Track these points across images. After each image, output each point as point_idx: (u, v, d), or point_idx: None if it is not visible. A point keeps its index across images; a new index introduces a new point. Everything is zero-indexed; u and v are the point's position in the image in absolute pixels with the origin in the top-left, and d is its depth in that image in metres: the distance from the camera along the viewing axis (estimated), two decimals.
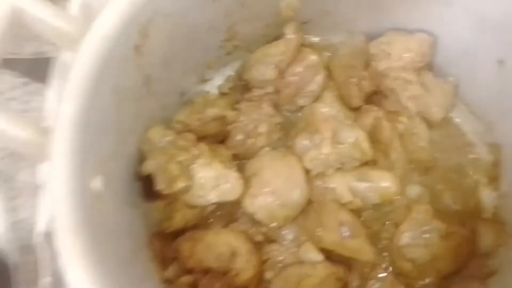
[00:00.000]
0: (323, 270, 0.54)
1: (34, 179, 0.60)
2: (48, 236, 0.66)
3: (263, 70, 0.61)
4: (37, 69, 0.76)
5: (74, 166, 0.38)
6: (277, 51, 0.61)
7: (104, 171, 0.44)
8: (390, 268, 0.57)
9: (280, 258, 0.57)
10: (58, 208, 0.38)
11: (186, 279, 0.54)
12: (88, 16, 0.42)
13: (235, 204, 0.59)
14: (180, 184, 0.53)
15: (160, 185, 0.52)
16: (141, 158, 0.55)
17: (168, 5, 0.48)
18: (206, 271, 0.54)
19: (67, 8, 0.44)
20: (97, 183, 0.42)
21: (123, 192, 0.51)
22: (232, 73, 0.68)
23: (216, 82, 0.68)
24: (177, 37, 0.52)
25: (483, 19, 0.53)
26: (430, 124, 0.62)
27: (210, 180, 0.56)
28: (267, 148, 0.63)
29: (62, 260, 0.37)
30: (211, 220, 0.60)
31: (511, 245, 0.55)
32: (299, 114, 0.65)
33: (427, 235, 0.55)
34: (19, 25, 0.41)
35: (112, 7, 0.42)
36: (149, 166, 0.53)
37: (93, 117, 0.42)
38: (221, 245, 0.55)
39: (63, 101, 0.39)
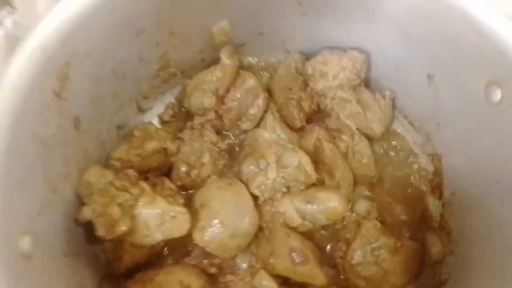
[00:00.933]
0: None
1: None
2: None
3: (201, 98, 0.60)
4: None
5: None
6: (214, 78, 0.60)
7: (33, 229, 0.42)
8: (345, 286, 0.57)
9: None
10: None
11: None
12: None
13: (186, 238, 0.58)
14: (122, 228, 0.51)
15: (101, 232, 0.50)
16: (80, 201, 0.52)
17: (87, 43, 0.46)
18: None
19: None
20: (24, 244, 0.39)
21: (60, 244, 0.48)
22: (172, 100, 0.67)
23: (156, 111, 0.66)
24: (103, 74, 0.50)
25: (409, 36, 0.54)
26: (371, 139, 0.63)
27: (155, 218, 0.54)
28: (214, 177, 0.61)
29: None
30: (162, 256, 0.59)
31: (458, 253, 0.56)
32: (244, 139, 0.64)
33: (377, 252, 0.56)
34: None
35: (22, 56, 0.39)
36: (87, 213, 0.50)
37: (15, 170, 0.39)
38: (172, 284, 0.53)
39: None
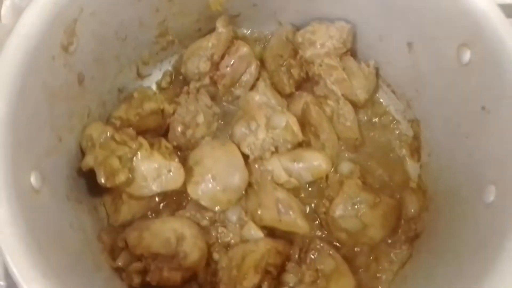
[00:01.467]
0: (264, 245, 0.58)
1: None
2: None
3: (197, 63, 0.64)
4: None
5: (6, 162, 0.40)
6: (209, 44, 0.64)
7: (41, 167, 0.46)
8: (327, 239, 0.62)
9: (226, 239, 0.61)
10: None
11: (136, 265, 0.56)
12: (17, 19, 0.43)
13: (181, 193, 0.62)
14: (121, 177, 0.55)
15: (101, 179, 0.54)
16: (82, 154, 0.57)
17: (93, 3, 0.50)
18: (155, 257, 0.56)
19: None
20: (33, 179, 0.44)
21: (64, 187, 0.52)
22: (170, 68, 0.71)
23: (154, 78, 0.70)
24: (106, 34, 0.54)
25: (390, 7, 0.58)
26: (356, 105, 0.67)
27: (152, 172, 0.58)
28: (207, 138, 0.66)
29: (6, 259, 0.38)
30: (158, 211, 0.63)
31: (431, 209, 0.61)
32: (237, 104, 0.68)
33: (357, 206, 0.60)
34: None
35: (34, 7, 0.43)
36: (89, 161, 0.54)
37: (23, 114, 0.43)
38: (167, 231, 0.57)
39: None
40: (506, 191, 0.44)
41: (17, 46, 0.43)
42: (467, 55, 0.51)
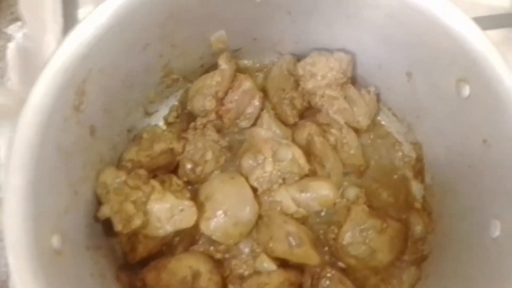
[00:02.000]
0: (277, 277, 0.60)
1: None
2: None
3: (202, 101, 0.66)
4: None
5: (28, 233, 0.42)
6: (213, 82, 0.66)
7: (61, 228, 0.48)
8: (337, 265, 0.64)
9: (240, 271, 0.63)
10: (18, 275, 0.41)
11: None
12: (25, 87, 0.45)
13: (194, 228, 0.64)
14: (137, 222, 0.57)
15: (118, 227, 0.56)
16: (98, 201, 0.59)
17: (101, 61, 0.51)
18: None
19: (3, 83, 0.47)
20: (55, 241, 0.46)
21: (83, 239, 0.54)
22: (176, 103, 0.73)
23: (162, 113, 0.72)
24: (114, 85, 0.56)
25: (389, 39, 0.59)
26: (359, 132, 0.69)
27: (165, 212, 0.60)
28: (216, 172, 0.67)
29: None
30: (172, 245, 0.65)
31: (437, 231, 0.63)
32: (243, 136, 0.70)
33: (365, 233, 0.62)
34: None
35: (45, 76, 0.45)
36: (105, 211, 0.56)
37: (42, 181, 0.45)
38: (183, 269, 0.60)
39: (9, 173, 0.42)
40: (510, 227, 0.46)
41: (31, 118, 0.44)
42: (466, 90, 0.52)
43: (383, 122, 0.72)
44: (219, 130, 0.70)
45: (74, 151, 0.52)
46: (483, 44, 0.49)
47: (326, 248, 0.65)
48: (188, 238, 0.65)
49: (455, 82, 0.53)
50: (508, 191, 0.47)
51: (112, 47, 0.51)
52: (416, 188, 0.69)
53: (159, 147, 0.64)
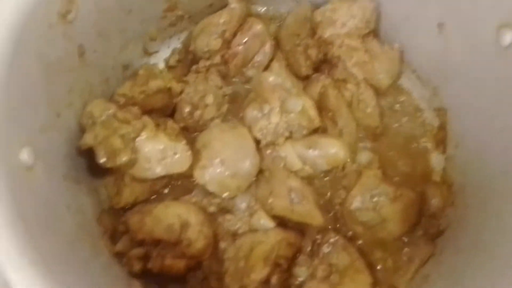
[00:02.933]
0: (274, 236, 0.54)
1: None
2: None
3: (207, 40, 0.60)
4: None
5: None
6: (221, 20, 0.60)
7: (34, 143, 0.42)
8: (342, 232, 0.57)
9: (234, 227, 0.57)
10: None
11: (137, 251, 0.53)
12: None
13: (188, 178, 0.58)
14: (123, 157, 0.52)
15: (101, 158, 0.50)
16: (82, 133, 0.53)
17: None
18: (157, 243, 0.53)
19: None
20: (25, 155, 0.40)
21: (61, 166, 0.49)
22: (179, 45, 0.67)
23: (162, 55, 0.66)
24: (110, 5, 0.50)
25: None
26: (377, 91, 0.62)
27: (156, 153, 0.54)
28: (217, 120, 0.61)
29: None
30: (162, 194, 0.59)
31: (458, 204, 0.56)
32: (249, 85, 0.64)
33: (376, 199, 0.56)
34: None
35: None
36: (88, 140, 0.51)
37: (16, 84, 0.39)
38: (170, 217, 0.54)
39: None
40: None
41: (7, 13, 0.39)
42: (508, 37, 0.46)
43: (405, 86, 0.65)
44: (223, 77, 0.63)
45: (58, 67, 0.47)
46: None
47: (331, 214, 0.59)
48: (180, 188, 0.59)
49: (495, 29, 0.47)
50: None
51: None
52: (436, 159, 0.62)
53: (155, 84, 0.58)
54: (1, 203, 0.34)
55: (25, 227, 0.35)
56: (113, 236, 0.55)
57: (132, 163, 0.53)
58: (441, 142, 0.61)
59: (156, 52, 0.65)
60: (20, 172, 0.39)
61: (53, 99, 0.47)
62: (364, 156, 0.61)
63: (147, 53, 0.65)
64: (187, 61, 0.66)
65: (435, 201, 0.59)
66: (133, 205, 0.56)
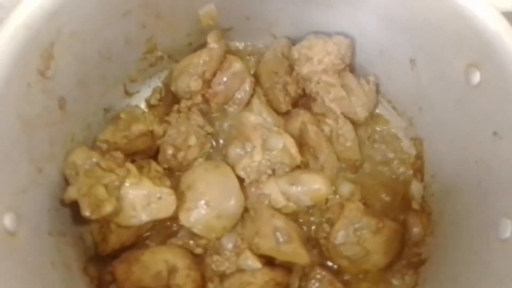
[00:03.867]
0: (262, 276, 0.54)
1: None
2: None
3: (188, 81, 0.61)
4: None
5: None
6: (200, 61, 0.61)
7: (16, 207, 0.42)
8: (328, 266, 0.58)
9: (222, 268, 0.57)
10: None
11: None
12: None
13: (173, 219, 0.58)
14: (107, 208, 0.52)
15: (86, 212, 0.50)
16: (66, 183, 0.53)
17: (71, 23, 0.45)
18: None
19: None
20: (7, 221, 0.40)
21: (46, 223, 0.48)
22: (159, 84, 0.67)
23: (143, 95, 0.66)
24: (89, 55, 0.50)
25: (392, 21, 0.55)
26: (355, 123, 0.64)
27: (141, 199, 0.54)
28: (200, 159, 0.62)
29: None
30: (148, 237, 0.59)
31: (437, 233, 0.58)
32: (231, 122, 0.65)
33: (359, 232, 0.57)
34: None
35: (5, 32, 0.39)
36: (72, 193, 0.51)
37: None
38: (158, 263, 0.54)
39: None
40: None
41: None
42: (476, 76, 0.48)
43: (382, 116, 0.67)
44: (205, 115, 0.64)
45: (39, 124, 0.47)
46: (497, 23, 0.44)
47: (317, 248, 0.60)
48: (166, 230, 0.60)
49: (464, 68, 0.49)
50: None
51: (85, 7, 0.45)
52: (415, 187, 0.64)
53: (137, 128, 0.58)
54: None
55: None
56: (100, 286, 0.54)
57: (117, 211, 0.53)
58: (418, 170, 0.63)
59: (137, 92, 0.66)
60: (2, 238, 0.39)
61: (34, 155, 0.47)
62: (345, 188, 0.63)
63: (128, 94, 0.65)
64: (168, 99, 0.67)
65: (416, 230, 0.60)
66: (120, 251, 0.56)
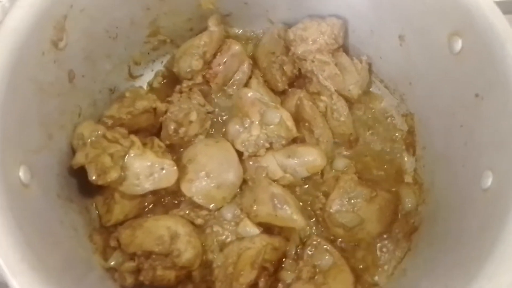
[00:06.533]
0: (260, 241, 0.57)
1: None
2: None
3: (189, 61, 0.64)
4: None
5: None
6: (201, 42, 0.64)
7: (30, 163, 0.45)
8: (324, 235, 0.61)
9: (222, 237, 0.59)
10: None
11: (129, 265, 0.55)
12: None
13: (175, 193, 0.61)
14: (113, 174, 0.54)
15: (92, 176, 0.53)
16: (74, 153, 0.56)
17: (83, 0, 0.49)
18: (148, 255, 0.55)
19: None
20: (22, 173, 0.43)
21: (55, 185, 0.51)
22: (162, 68, 0.71)
23: (146, 78, 0.70)
24: (97, 32, 0.54)
25: (381, 0, 0.58)
26: (349, 101, 0.67)
27: (144, 169, 0.57)
28: (201, 136, 0.65)
29: None
30: (151, 211, 0.62)
31: (428, 201, 0.60)
32: (230, 102, 0.68)
33: (354, 201, 0.59)
34: None
35: (23, 2, 0.43)
36: (80, 159, 0.54)
37: (13, 108, 0.42)
38: (160, 229, 0.56)
39: None
40: (503, 176, 0.44)
41: (5, 40, 0.42)
42: (458, 44, 0.51)
43: (375, 95, 0.70)
44: (205, 96, 0.67)
45: (50, 91, 0.50)
46: None
47: (313, 220, 0.62)
48: (168, 203, 0.62)
49: (447, 37, 0.52)
50: (501, 141, 0.45)
51: None
52: (407, 161, 0.66)
53: (141, 104, 0.62)
54: (2, 216, 0.37)
55: (24, 236, 0.37)
56: (105, 252, 0.57)
57: (121, 180, 0.55)
58: (410, 145, 0.66)
59: (141, 75, 0.69)
60: (17, 188, 0.42)
61: (46, 122, 0.50)
62: (340, 163, 0.65)
63: (132, 76, 0.68)
64: (170, 83, 0.70)
65: (408, 201, 0.63)
66: (124, 222, 0.59)
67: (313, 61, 0.65)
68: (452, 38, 0.51)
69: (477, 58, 0.49)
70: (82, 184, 0.57)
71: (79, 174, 0.56)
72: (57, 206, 0.50)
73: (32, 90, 0.46)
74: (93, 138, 0.56)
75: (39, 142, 0.48)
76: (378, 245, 0.61)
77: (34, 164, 0.46)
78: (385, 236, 0.61)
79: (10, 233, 0.37)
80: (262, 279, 0.55)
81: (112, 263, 0.56)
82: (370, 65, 0.68)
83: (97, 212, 0.60)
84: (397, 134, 0.68)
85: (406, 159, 0.66)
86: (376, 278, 0.58)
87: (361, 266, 0.60)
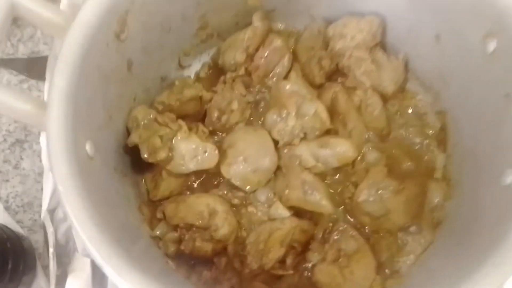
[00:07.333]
0: (290, 223, 0.61)
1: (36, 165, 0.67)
2: (51, 212, 0.75)
3: (234, 54, 0.69)
4: (32, 67, 0.85)
5: (67, 129, 0.46)
6: (245, 36, 0.69)
7: (94, 138, 0.52)
8: (351, 223, 0.64)
9: (255, 218, 0.65)
10: (57, 169, 0.45)
11: (172, 235, 0.62)
12: (74, 11, 0.50)
13: (215, 174, 0.67)
14: (162, 154, 0.61)
15: (145, 154, 0.60)
16: (128, 134, 0.63)
17: None
18: (189, 228, 0.62)
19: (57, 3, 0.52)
20: (88, 147, 0.50)
21: (112, 160, 0.59)
22: (208, 60, 0.77)
23: (194, 68, 0.76)
24: (153, 25, 0.60)
25: (421, 0, 0.60)
26: (384, 97, 0.69)
27: (189, 151, 0.63)
28: (241, 124, 0.70)
29: (66, 209, 0.44)
30: (193, 189, 0.68)
31: (455, 197, 0.62)
32: (269, 93, 0.73)
33: (381, 191, 0.63)
34: (16, 16, 0.49)
35: (93, 0, 0.50)
36: (134, 138, 0.61)
37: (82, 90, 0.50)
38: (201, 205, 0.63)
39: (55, 76, 0.47)
40: None
41: (78, 33, 0.49)
42: (492, 45, 0.52)
43: (410, 92, 0.72)
44: (247, 87, 0.72)
45: (112, 78, 0.57)
46: None
47: (342, 207, 0.66)
48: (209, 183, 0.68)
49: (482, 38, 0.54)
50: None
51: None
52: (438, 158, 0.68)
53: (189, 92, 0.68)
54: (74, 182, 0.44)
55: (90, 200, 0.44)
56: (151, 223, 0.64)
57: (169, 159, 0.62)
58: (442, 142, 0.68)
59: (189, 65, 0.75)
60: (85, 160, 0.49)
61: (108, 104, 0.57)
62: (371, 156, 0.68)
63: (181, 66, 0.75)
64: (215, 73, 0.76)
65: (435, 196, 0.65)
66: (168, 197, 0.66)
67: (350, 57, 0.68)
68: (486, 38, 0.53)
69: (509, 58, 0.51)
70: (135, 161, 0.64)
71: (132, 152, 0.63)
72: (114, 178, 0.57)
73: (98, 77, 0.54)
74: (145, 121, 0.63)
75: (102, 121, 0.55)
76: (403, 235, 0.64)
77: (97, 140, 0.53)
78: (410, 227, 0.64)
79: (80, 195, 0.44)
80: (290, 257, 0.60)
81: (158, 232, 0.63)
82: (406, 62, 0.70)
83: (146, 187, 0.68)
84: (430, 131, 0.70)
85: (437, 155, 0.68)
86: (398, 266, 0.62)
87: (384, 254, 0.63)
